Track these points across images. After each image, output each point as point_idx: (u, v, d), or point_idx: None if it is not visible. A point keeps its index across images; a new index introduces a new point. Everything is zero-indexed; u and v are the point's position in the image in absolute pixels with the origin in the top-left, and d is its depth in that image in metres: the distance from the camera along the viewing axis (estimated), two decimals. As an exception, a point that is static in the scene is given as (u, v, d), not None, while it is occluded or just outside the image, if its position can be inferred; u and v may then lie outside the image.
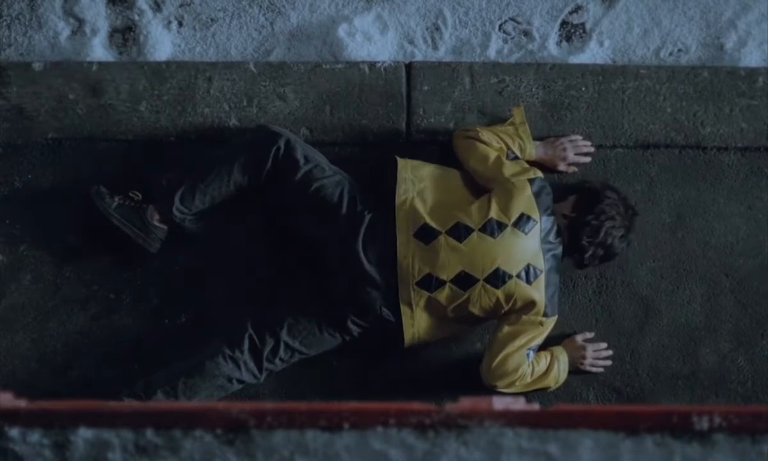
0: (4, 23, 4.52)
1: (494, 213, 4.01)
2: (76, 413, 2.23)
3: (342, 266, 4.05)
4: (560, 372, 4.15)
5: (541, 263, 4.01)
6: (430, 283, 4.01)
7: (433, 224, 4.02)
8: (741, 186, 4.41)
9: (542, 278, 4.00)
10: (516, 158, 4.18)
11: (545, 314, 4.02)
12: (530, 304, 4.01)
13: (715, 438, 2.23)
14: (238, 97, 4.37)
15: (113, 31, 4.56)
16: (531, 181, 4.07)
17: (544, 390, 4.15)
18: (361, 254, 4.02)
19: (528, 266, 4.00)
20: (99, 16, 4.54)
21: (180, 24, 4.56)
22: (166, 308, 4.31)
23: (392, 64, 4.41)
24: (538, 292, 4.00)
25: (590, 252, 4.11)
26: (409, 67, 4.41)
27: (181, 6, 4.57)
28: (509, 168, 4.11)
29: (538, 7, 4.58)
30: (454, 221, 4.02)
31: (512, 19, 4.59)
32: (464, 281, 4.00)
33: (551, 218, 4.07)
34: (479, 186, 4.16)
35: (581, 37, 4.60)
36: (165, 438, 2.23)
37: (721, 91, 4.43)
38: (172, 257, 4.31)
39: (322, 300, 4.12)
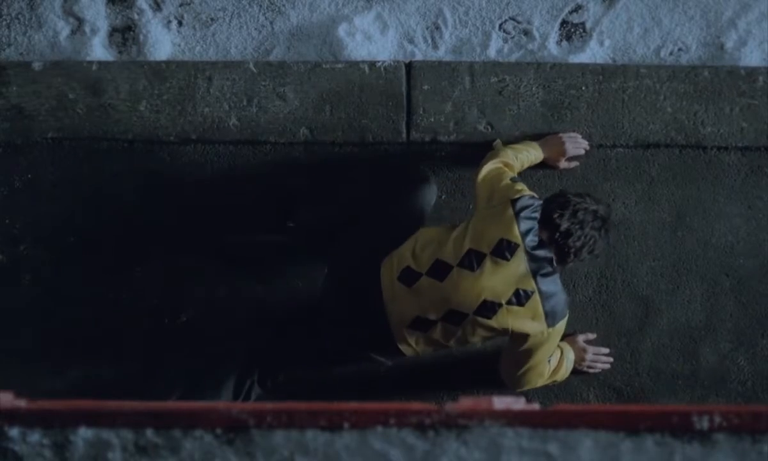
0: (4, 23, 4.52)
1: (470, 243, 3.83)
2: (76, 413, 2.23)
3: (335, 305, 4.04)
4: (568, 368, 4.15)
5: (531, 285, 3.80)
6: (421, 324, 3.89)
7: (414, 267, 3.87)
8: (741, 186, 4.41)
9: (536, 297, 3.80)
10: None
11: (549, 326, 3.85)
12: (530, 327, 3.84)
13: (716, 437, 2.23)
14: (238, 97, 4.37)
15: (113, 31, 4.55)
16: (513, 201, 3.87)
17: (553, 383, 4.14)
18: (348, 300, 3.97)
19: (517, 291, 3.80)
20: (99, 16, 4.54)
21: (180, 23, 4.56)
22: (166, 308, 4.31)
23: (392, 63, 4.41)
24: (533, 312, 3.81)
25: (579, 257, 3.90)
26: (409, 66, 4.41)
27: (181, 5, 4.56)
28: (498, 192, 3.97)
29: (538, 6, 4.58)
30: (433, 260, 3.86)
31: (512, 18, 4.59)
32: (454, 317, 3.85)
33: (536, 236, 3.85)
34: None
35: (581, 36, 4.60)
36: (165, 438, 2.23)
37: (722, 90, 4.43)
38: (173, 257, 4.31)
39: (322, 341, 4.09)
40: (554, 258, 3.85)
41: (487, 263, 3.79)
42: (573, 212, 3.83)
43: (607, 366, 4.31)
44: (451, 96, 4.38)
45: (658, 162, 4.41)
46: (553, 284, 3.85)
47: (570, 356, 4.15)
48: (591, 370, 4.29)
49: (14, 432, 2.24)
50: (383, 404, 2.22)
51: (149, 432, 2.23)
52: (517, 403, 2.24)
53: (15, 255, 4.31)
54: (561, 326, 3.89)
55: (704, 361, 4.36)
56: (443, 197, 4.32)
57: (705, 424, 2.23)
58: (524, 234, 3.80)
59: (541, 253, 3.82)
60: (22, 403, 2.25)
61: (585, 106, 4.41)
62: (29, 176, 4.34)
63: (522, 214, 3.83)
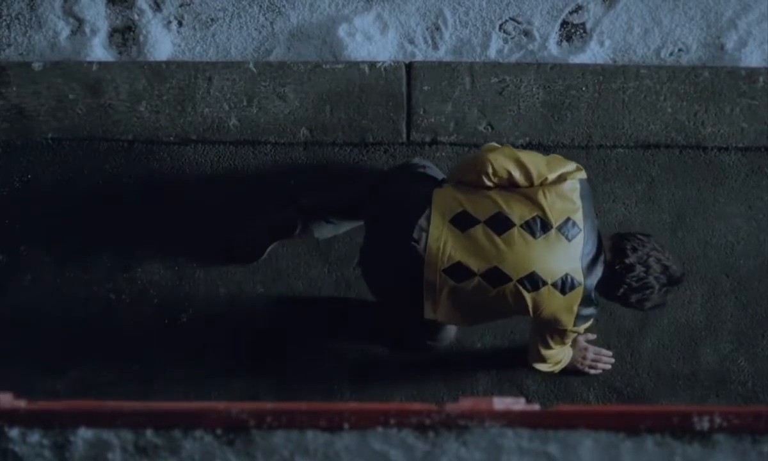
0: (4, 23, 4.52)
1: (540, 211, 3.65)
2: (75, 413, 2.23)
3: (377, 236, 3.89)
4: (566, 362, 4.11)
5: (580, 276, 3.66)
6: (458, 273, 3.68)
7: (471, 212, 3.68)
8: (741, 186, 4.41)
9: (580, 291, 3.67)
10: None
11: (575, 324, 3.75)
12: (558, 317, 3.72)
13: (716, 438, 2.23)
14: (238, 97, 4.37)
15: (113, 31, 4.55)
16: (581, 181, 3.73)
17: (551, 372, 4.10)
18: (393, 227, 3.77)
19: (566, 276, 3.65)
20: (99, 16, 4.54)
21: (180, 24, 4.56)
22: (166, 308, 4.31)
23: (392, 64, 4.40)
24: (568, 306, 3.68)
25: (626, 297, 3.78)
26: (409, 67, 4.41)
27: (181, 6, 4.56)
28: (554, 164, 3.76)
29: (538, 6, 4.58)
30: (494, 211, 3.67)
31: (513, 19, 4.59)
32: (495, 277, 3.66)
33: (594, 231, 3.72)
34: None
35: (582, 37, 4.60)
36: (165, 438, 2.23)
37: (722, 91, 4.42)
38: (173, 257, 4.31)
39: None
40: (601, 282, 3.72)
41: (552, 235, 3.65)
42: (646, 254, 3.72)
43: (608, 366, 4.30)
44: (451, 96, 4.38)
45: (659, 163, 4.41)
46: (591, 294, 3.72)
47: (570, 352, 4.14)
48: (592, 370, 4.29)
49: (14, 432, 2.24)
50: (383, 404, 2.22)
51: (149, 433, 2.23)
52: (517, 404, 2.24)
53: (15, 255, 4.31)
54: (580, 328, 3.83)
55: (704, 362, 4.36)
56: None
57: (705, 425, 2.23)
58: (585, 220, 3.69)
59: (594, 256, 3.70)
60: (22, 403, 2.25)
61: (585, 106, 4.41)
62: (29, 176, 4.34)
63: (585, 201, 3.71)
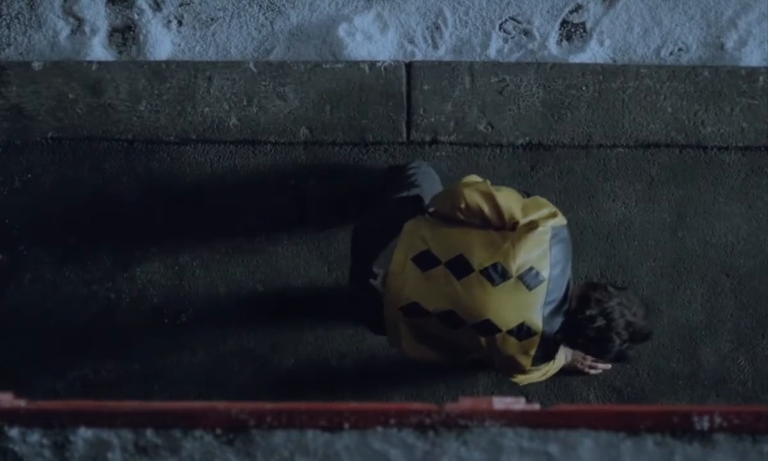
0: (4, 22, 4.52)
1: (502, 258, 3.52)
2: (75, 413, 2.23)
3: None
4: (558, 366, 4.08)
5: (538, 324, 3.53)
6: (415, 312, 3.61)
7: (434, 252, 3.58)
8: (741, 186, 4.40)
9: (536, 339, 3.56)
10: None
11: (534, 364, 3.64)
12: (515, 359, 3.62)
13: (716, 438, 2.23)
14: (238, 97, 4.37)
15: (113, 31, 4.55)
16: (554, 228, 3.60)
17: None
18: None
19: (522, 324, 3.54)
20: (98, 16, 4.54)
21: (180, 23, 4.56)
22: (166, 308, 4.31)
23: (392, 63, 4.40)
24: (525, 350, 3.58)
25: (586, 347, 3.70)
26: (409, 66, 4.41)
27: (180, 5, 4.56)
28: (530, 208, 3.63)
29: (538, 6, 4.57)
30: (456, 253, 3.57)
31: (512, 18, 4.59)
32: (451, 320, 3.59)
33: (564, 278, 3.59)
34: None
35: (581, 36, 4.60)
36: (165, 438, 2.23)
37: (722, 90, 4.42)
38: (173, 257, 4.31)
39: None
40: (563, 329, 3.61)
41: (510, 283, 3.53)
42: (611, 307, 3.56)
43: (608, 366, 4.30)
44: (451, 96, 4.38)
45: (659, 162, 4.41)
46: (549, 341, 3.62)
47: (560, 361, 4.08)
48: (592, 371, 4.29)
49: (14, 432, 2.24)
50: (383, 404, 2.22)
51: (149, 432, 2.23)
52: (517, 403, 2.24)
53: (15, 255, 4.31)
54: (541, 368, 3.74)
55: (705, 361, 4.36)
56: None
57: (705, 424, 2.23)
58: (553, 269, 3.55)
59: (558, 304, 3.58)
60: (22, 403, 2.25)
61: (585, 106, 4.41)
62: (29, 176, 4.34)
63: (554, 249, 3.57)
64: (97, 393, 4.17)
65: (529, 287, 3.53)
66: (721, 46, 4.58)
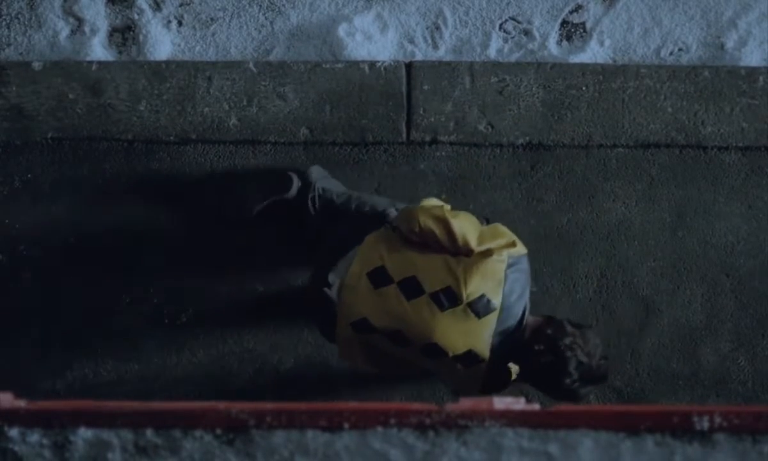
0: (4, 22, 4.52)
1: (453, 283, 3.49)
2: (75, 413, 2.23)
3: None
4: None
5: (485, 353, 3.49)
6: (364, 327, 3.59)
7: (388, 269, 3.56)
8: (741, 186, 4.40)
9: (483, 367, 3.52)
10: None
11: (485, 393, 3.59)
12: (464, 383, 3.59)
13: (716, 438, 2.23)
14: (238, 97, 4.37)
15: (113, 31, 4.55)
16: (512, 257, 3.56)
17: None
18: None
19: (470, 351, 3.49)
20: (98, 16, 4.54)
21: (180, 23, 4.56)
22: (166, 308, 4.31)
23: (392, 63, 4.40)
24: (474, 377, 3.53)
25: (535, 382, 3.62)
26: (409, 66, 4.41)
27: (180, 5, 4.56)
28: (486, 236, 3.59)
29: (538, 6, 4.57)
30: (410, 274, 3.54)
31: (512, 18, 4.59)
32: (399, 339, 3.56)
33: (520, 308, 3.54)
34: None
35: (582, 36, 4.60)
36: (165, 438, 2.23)
37: (722, 90, 4.42)
38: (173, 257, 4.31)
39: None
40: (515, 360, 3.58)
41: (459, 310, 3.48)
42: (565, 346, 3.47)
43: None
44: (451, 96, 4.38)
45: (659, 162, 4.41)
46: (500, 366, 3.59)
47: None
48: None
49: (14, 432, 2.24)
50: (383, 404, 2.22)
51: (149, 433, 2.23)
52: (517, 404, 2.24)
53: (15, 255, 4.31)
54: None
55: (704, 361, 4.36)
56: (443, 196, 4.32)
57: (705, 424, 2.23)
58: (506, 298, 3.51)
59: (509, 332, 3.52)
60: (21, 403, 2.25)
61: (585, 106, 4.41)
62: (29, 176, 4.34)
63: (511, 276, 3.53)
64: (97, 393, 4.17)
65: (479, 315, 3.48)
66: (721, 46, 4.58)
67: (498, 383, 3.63)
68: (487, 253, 3.53)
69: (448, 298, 3.49)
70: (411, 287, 3.53)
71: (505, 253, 3.55)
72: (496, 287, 3.50)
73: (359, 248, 3.63)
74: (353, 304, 3.59)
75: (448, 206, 3.67)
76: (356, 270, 3.60)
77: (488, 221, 3.73)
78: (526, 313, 3.57)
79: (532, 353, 3.51)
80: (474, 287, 3.48)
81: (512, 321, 3.52)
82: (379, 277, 3.58)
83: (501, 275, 3.51)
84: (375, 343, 3.63)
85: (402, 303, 3.53)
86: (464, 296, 3.48)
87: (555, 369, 3.48)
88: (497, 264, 3.52)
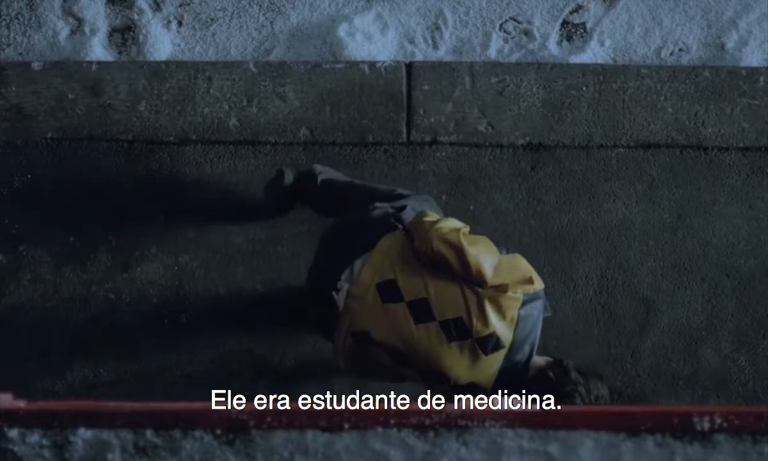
0: (3, 23, 4.52)
1: (465, 315, 3.37)
2: (75, 413, 2.23)
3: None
4: None
5: (489, 384, 3.40)
6: (365, 340, 3.48)
7: (400, 285, 3.43)
8: (742, 186, 4.40)
9: (482, 392, 3.41)
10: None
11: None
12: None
13: (716, 438, 2.23)
14: (238, 97, 4.37)
15: (113, 31, 4.55)
16: (528, 295, 3.43)
17: None
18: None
19: (472, 383, 3.40)
20: (98, 16, 4.54)
21: (180, 24, 4.56)
22: (166, 309, 4.31)
23: (392, 63, 4.40)
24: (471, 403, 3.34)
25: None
26: (409, 66, 4.41)
27: (180, 5, 4.56)
28: (503, 268, 3.45)
29: (538, 6, 4.57)
30: (421, 296, 3.41)
31: (513, 18, 4.59)
32: (400, 357, 3.45)
33: (529, 346, 3.43)
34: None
35: (582, 36, 4.60)
36: (165, 439, 2.23)
37: (723, 90, 4.42)
38: (173, 257, 4.31)
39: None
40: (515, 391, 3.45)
41: (467, 345, 3.38)
42: (565, 392, 3.37)
43: None
44: (451, 96, 4.38)
45: (659, 162, 4.40)
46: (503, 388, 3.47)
47: None
48: None
49: (14, 432, 2.23)
50: (383, 404, 2.21)
51: (149, 433, 2.23)
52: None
53: (15, 255, 4.31)
54: None
55: (705, 362, 4.35)
56: (443, 197, 4.32)
57: (706, 425, 2.23)
58: (516, 336, 3.40)
59: (514, 372, 3.43)
60: (21, 404, 2.25)
61: (585, 106, 4.40)
62: (29, 176, 4.34)
63: (524, 314, 3.41)
64: (97, 393, 4.17)
65: (486, 352, 3.38)
66: (722, 47, 4.58)
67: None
68: (502, 288, 3.40)
69: (458, 330, 3.38)
70: (421, 310, 3.40)
71: (521, 290, 3.42)
72: (507, 326, 3.39)
73: (372, 253, 3.49)
74: (358, 314, 3.46)
75: (466, 229, 3.51)
76: (366, 279, 3.46)
77: (508, 251, 3.56)
78: (534, 350, 3.47)
79: (533, 392, 3.39)
80: (485, 324, 3.37)
81: (519, 358, 3.43)
82: (389, 291, 3.44)
83: (514, 314, 3.39)
84: (372, 355, 3.51)
85: (409, 325, 3.40)
86: (474, 330, 3.37)
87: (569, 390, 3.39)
88: (511, 301, 3.39)
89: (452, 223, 3.54)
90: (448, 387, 3.42)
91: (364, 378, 3.82)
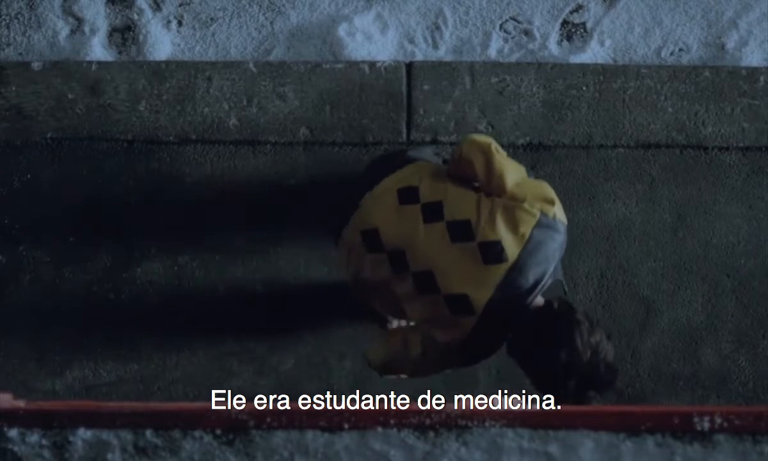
0: (3, 22, 4.52)
1: (474, 217, 3.24)
2: (75, 413, 2.23)
3: None
4: None
5: (480, 303, 3.18)
6: (373, 238, 3.41)
7: (420, 190, 3.37)
8: (742, 186, 4.40)
9: (470, 321, 3.20)
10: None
11: (461, 363, 3.35)
12: (436, 337, 3.28)
13: (717, 438, 2.23)
14: (238, 97, 4.37)
15: (112, 31, 4.55)
16: (545, 216, 3.26)
17: None
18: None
19: (464, 296, 3.20)
20: (98, 16, 4.54)
21: (179, 23, 4.56)
22: (166, 308, 4.31)
23: (392, 63, 4.40)
24: (453, 326, 3.21)
25: (525, 368, 3.27)
26: (409, 66, 4.41)
27: (180, 5, 4.56)
28: (527, 185, 3.33)
29: (538, 6, 4.57)
30: (437, 199, 3.33)
31: (513, 18, 4.59)
32: (399, 261, 3.34)
33: (534, 273, 3.21)
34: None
35: (582, 36, 4.60)
36: (164, 439, 2.23)
37: (723, 90, 4.42)
38: (173, 257, 4.31)
39: None
40: (508, 337, 3.26)
41: (469, 248, 3.23)
42: (564, 327, 3.15)
43: None
44: (451, 96, 4.38)
45: (659, 162, 4.40)
46: (495, 327, 3.27)
47: None
48: None
49: (13, 432, 2.24)
50: (383, 404, 2.22)
51: (149, 433, 2.23)
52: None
53: (15, 255, 4.31)
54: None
55: (705, 362, 4.35)
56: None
57: (706, 425, 2.23)
58: (523, 256, 3.22)
59: (513, 303, 3.20)
60: (21, 404, 2.25)
61: (586, 106, 4.40)
62: (29, 176, 4.34)
63: (538, 235, 3.24)
64: (96, 393, 4.17)
65: (486, 261, 3.20)
66: (722, 47, 4.58)
67: (479, 350, 3.31)
68: (519, 198, 3.26)
69: (463, 231, 3.22)
70: (433, 211, 3.28)
71: (539, 206, 3.26)
72: (516, 240, 3.21)
73: (402, 169, 3.45)
74: (371, 212, 3.40)
75: (497, 145, 3.40)
76: (389, 185, 3.41)
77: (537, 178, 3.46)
78: (541, 287, 3.25)
79: (529, 323, 3.19)
80: (492, 230, 3.21)
81: (521, 284, 3.21)
82: (408, 195, 3.36)
83: (526, 231, 3.21)
84: (373, 265, 3.38)
85: (418, 224, 3.29)
86: (479, 234, 3.21)
87: (545, 348, 3.12)
88: (526, 216, 3.22)
89: (486, 138, 3.44)
90: (438, 298, 3.23)
91: (357, 296, 3.65)
